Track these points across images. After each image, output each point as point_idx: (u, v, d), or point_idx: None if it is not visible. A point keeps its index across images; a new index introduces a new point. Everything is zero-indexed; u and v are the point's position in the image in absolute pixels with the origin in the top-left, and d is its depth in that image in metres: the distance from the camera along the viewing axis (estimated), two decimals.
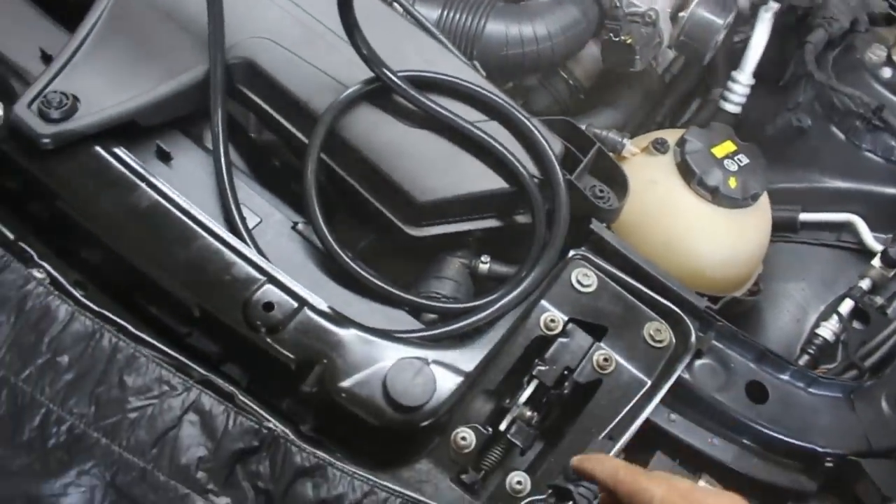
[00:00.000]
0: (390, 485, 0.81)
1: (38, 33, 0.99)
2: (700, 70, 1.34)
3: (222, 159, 0.91)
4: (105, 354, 0.81)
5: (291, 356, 0.83)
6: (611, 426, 0.89)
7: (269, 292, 0.85)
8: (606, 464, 0.74)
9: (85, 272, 0.91)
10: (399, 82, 0.91)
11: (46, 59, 0.97)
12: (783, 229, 1.12)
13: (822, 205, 1.19)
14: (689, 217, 1.04)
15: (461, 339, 0.89)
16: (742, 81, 1.23)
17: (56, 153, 0.89)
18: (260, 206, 0.94)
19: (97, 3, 0.97)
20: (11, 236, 0.90)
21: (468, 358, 0.87)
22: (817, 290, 1.14)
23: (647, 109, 1.30)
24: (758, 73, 1.25)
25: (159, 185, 0.89)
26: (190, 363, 0.86)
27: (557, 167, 0.92)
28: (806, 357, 1.07)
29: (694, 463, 0.96)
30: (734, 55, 1.28)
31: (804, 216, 1.18)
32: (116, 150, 0.90)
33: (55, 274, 0.89)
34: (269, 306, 0.84)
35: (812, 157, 1.20)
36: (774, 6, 1.20)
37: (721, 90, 1.31)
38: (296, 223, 0.94)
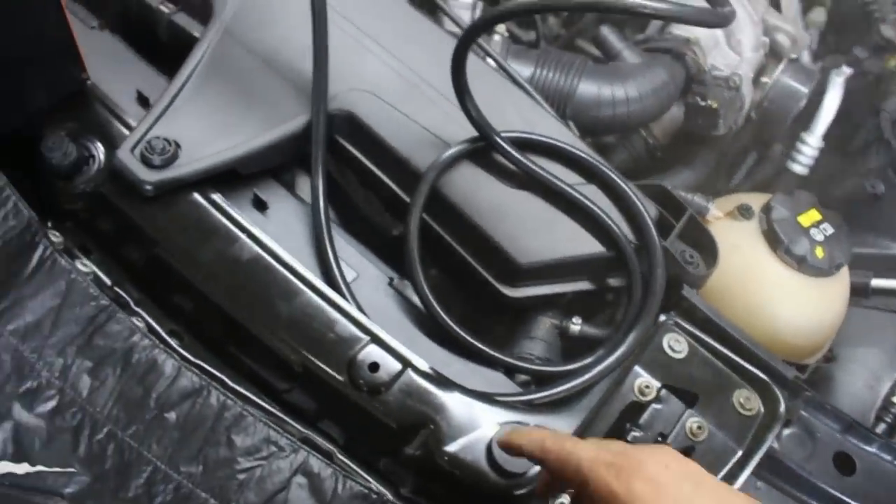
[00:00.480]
0: None
1: (134, 75, 0.98)
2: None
3: (322, 213, 0.91)
4: (213, 412, 0.80)
5: (395, 419, 0.83)
6: None
7: (374, 352, 0.84)
8: (533, 435, 0.72)
9: (179, 319, 0.90)
10: (505, 145, 0.91)
11: (143, 101, 0.96)
12: (855, 294, 1.14)
13: (893, 271, 1.21)
14: (773, 284, 1.05)
15: (559, 402, 0.89)
16: (812, 144, 1.25)
17: (156, 199, 0.88)
18: (356, 261, 0.93)
19: (197, 48, 0.96)
20: (108, 281, 0.90)
21: (566, 423, 0.87)
22: (890, 356, 1.15)
23: (716, 175, 1.31)
24: (826, 136, 1.27)
25: (260, 236, 0.88)
26: (290, 420, 0.86)
27: (655, 234, 0.93)
28: (883, 426, 1.08)
29: None
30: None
31: (876, 282, 1.20)
32: (215, 198, 0.90)
33: (152, 322, 0.89)
34: (374, 367, 0.83)
35: (884, 224, 1.22)
36: (847, 71, 1.23)
37: (780, 146, 1.33)
38: (391, 279, 0.94)
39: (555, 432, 0.71)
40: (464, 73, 0.86)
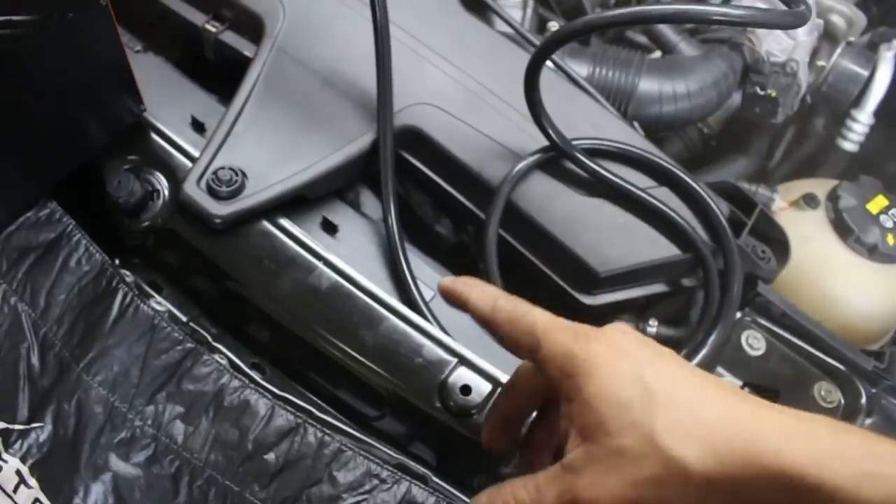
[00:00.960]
0: None
1: (185, 99, 0.95)
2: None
3: (395, 234, 0.89)
4: (312, 450, 0.79)
5: None
6: None
7: (464, 375, 0.83)
8: (485, 289, 0.65)
9: (258, 352, 0.89)
10: (579, 155, 0.89)
11: (197, 126, 0.93)
12: None
13: None
14: (845, 274, 1.04)
15: None
16: (863, 121, 1.23)
17: (225, 232, 0.86)
18: (431, 278, 0.92)
19: (251, 69, 0.93)
20: (184, 318, 0.88)
21: None
22: None
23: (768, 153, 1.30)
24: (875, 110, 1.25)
25: (336, 262, 0.86)
26: (384, 447, 0.85)
27: (730, 234, 0.92)
28: None
29: None
30: None
31: None
32: (286, 225, 0.88)
33: (233, 358, 0.87)
34: (466, 389, 0.82)
35: None
36: None
37: (822, 121, 1.32)
38: None
39: (507, 294, 0.64)
40: (537, 85, 0.84)
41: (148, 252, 0.90)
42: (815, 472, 0.48)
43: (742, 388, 0.92)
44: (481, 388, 0.83)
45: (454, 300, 0.66)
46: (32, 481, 0.75)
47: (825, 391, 0.94)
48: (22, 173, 0.81)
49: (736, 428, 0.51)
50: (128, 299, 0.81)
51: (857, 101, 1.23)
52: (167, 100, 0.94)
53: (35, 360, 0.78)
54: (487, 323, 0.63)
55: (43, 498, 0.75)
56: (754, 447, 0.49)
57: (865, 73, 1.18)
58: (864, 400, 0.93)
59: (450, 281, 0.67)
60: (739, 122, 1.25)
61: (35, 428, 0.76)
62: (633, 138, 0.95)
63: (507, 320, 0.62)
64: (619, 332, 0.58)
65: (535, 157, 0.91)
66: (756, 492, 0.50)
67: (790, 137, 1.38)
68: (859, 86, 1.18)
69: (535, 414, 0.70)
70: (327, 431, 0.80)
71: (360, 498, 0.79)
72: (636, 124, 1.04)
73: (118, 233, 0.88)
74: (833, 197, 1.06)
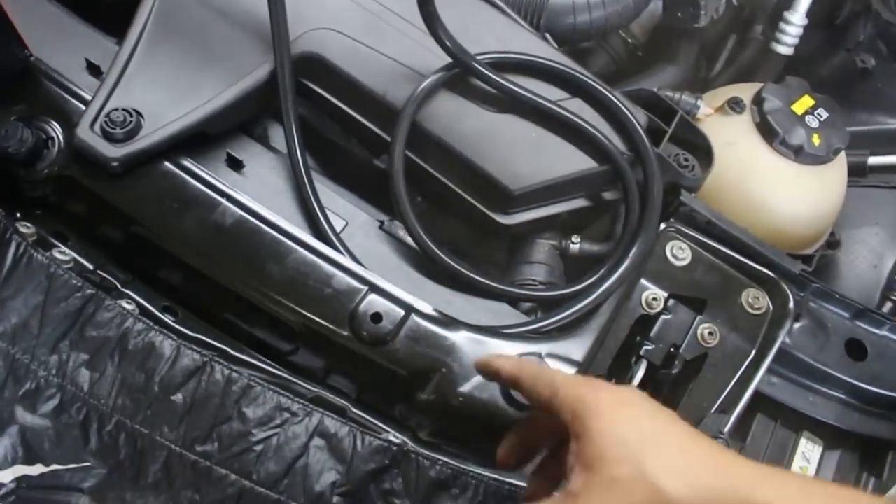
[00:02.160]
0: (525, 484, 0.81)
1: (80, 43, 0.92)
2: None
3: (301, 165, 0.87)
4: (219, 387, 0.79)
5: (405, 367, 0.81)
6: (720, 398, 0.90)
7: (375, 302, 0.82)
8: (511, 359, 0.77)
9: (169, 294, 0.87)
10: (483, 69, 0.86)
11: (94, 70, 0.91)
12: (852, 174, 1.10)
13: (891, 146, 1.18)
14: (771, 177, 1.02)
15: (567, 326, 0.88)
16: (795, 22, 1.19)
17: (126, 175, 0.84)
18: (343, 208, 0.90)
19: (142, 6, 0.90)
20: (91, 266, 0.86)
21: (578, 346, 0.86)
22: (892, 233, 1.13)
23: (703, 60, 1.26)
24: (808, 11, 1.21)
25: (241, 198, 0.84)
26: (298, 381, 0.84)
27: (647, 142, 0.90)
28: (889, 304, 1.08)
29: (794, 422, 0.97)
30: None
31: (873, 160, 1.17)
32: (188, 164, 0.85)
33: (144, 303, 0.86)
34: (377, 317, 0.81)
35: (877, 99, 1.17)
36: None
37: (761, 27, 1.28)
38: (382, 222, 0.91)
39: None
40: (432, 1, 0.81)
41: (50, 202, 0.88)
42: None
43: (668, 298, 0.91)
44: (393, 314, 0.82)
45: (488, 373, 0.75)
46: None
47: (752, 298, 0.92)
48: None
49: (716, 470, 0.60)
50: (21, 249, 0.79)
51: (789, 2, 1.19)
52: (61, 45, 0.91)
53: None
54: (515, 381, 0.72)
55: None
56: (730, 485, 0.59)
57: None
58: (791, 304, 0.91)
59: (482, 360, 0.76)
60: (666, 30, 1.21)
61: None
62: (542, 50, 0.92)
63: (530, 376, 0.71)
64: (627, 390, 0.68)
65: (439, 75, 0.88)
66: None
67: (731, 45, 1.34)
68: None
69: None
70: (235, 368, 0.79)
71: (271, 432, 0.78)
72: (548, 36, 1.00)
73: (17, 184, 0.86)
74: (758, 100, 1.03)
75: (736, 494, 0.58)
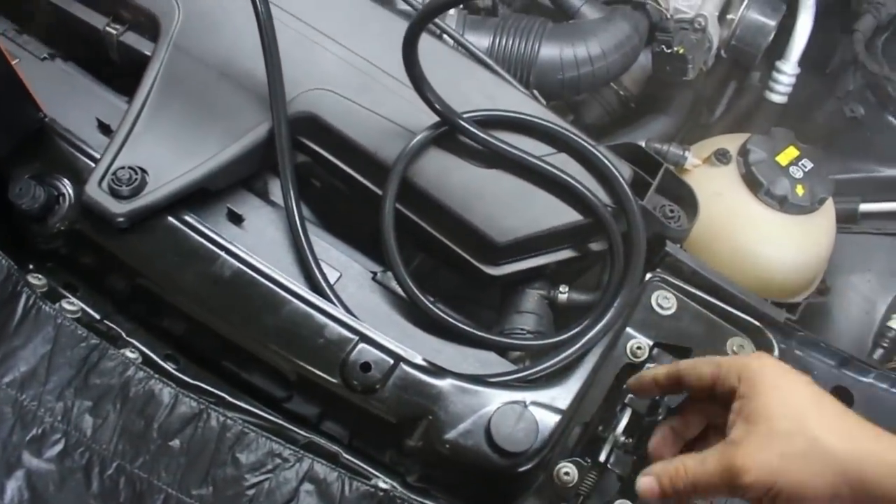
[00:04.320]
0: None
1: (92, 103, 0.98)
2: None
3: (297, 220, 0.91)
4: (214, 434, 0.82)
5: (394, 414, 0.84)
6: None
7: (365, 352, 0.85)
8: (664, 366, 0.80)
9: (171, 343, 0.92)
10: (469, 127, 0.90)
11: (104, 129, 0.96)
12: (843, 221, 1.12)
13: (881, 194, 1.19)
14: (757, 227, 1.04)
15: (554, 374, 0.90)
16: (788, 71, 1.22)
17: (131, 229, 0.89)
18: (337, 260, 0.94)
19: (149, 69, 0.95)
20: (98, 316, 0.91)
21: (563, 394, 0.88)
22: (884, 280, 1.15)
23: (697, 111, 1.29)
24: (801, 60, 1.23)
25: (238, 252, 0.88)
26: (292, 427, 0.88)
27: (630, 194, 0.93)
28: (880, 351, 1.08)
29: None
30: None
31: (864, 206, 1.19)
32: (189, 219, 0.90)
33: (146, 351, 0.90)
34: (366, 366, 0.84)
35: (867, 147, 1.19)
36: None
37: (758, 74, 1.31)
38: (374, 273, 0.95)
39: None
40: (416, 60, 0.85)
41: (61, 255, 0.93)
42: None
43: (653, 347, 0.93)
44: (382, 364, 0.85)
45: (645, 388, 0.82)
46: None
47: (737, 346, 0.94)
48: None
49: (869, 434, 0.65)
50: (31, 301, 0.84)
51: (781, 51, 1.21)
52: (73, 104, 0.96)
53: None
54: (677, 376, 0.77)
55: None
56: (883, 448, 0.64)
57: (773, 22, 1.16)
58: (776, 352, 0.93)
59: (633, 381, 0.83)
60: (659, 82, 1.24)
61: None
62: (528, 106, 0.96)
63: (688, 365, 0.77)
64: (788, 365, 0.72)
65: (427, 132, 0.92)
66: (882, 481, 0.63)
67: (730, 92, 1.36)
68: (767, 37, 1.17)
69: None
70: (229, 415, 0.82)
71: (263, 477, 0.81)
72: (536, 92, 1.04)
73: (30, 239, 0.91)
74: (743, 151, 1.05)
75: (885, 457, 0.63)
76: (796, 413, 0.67)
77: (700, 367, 0.75)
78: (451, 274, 1.00)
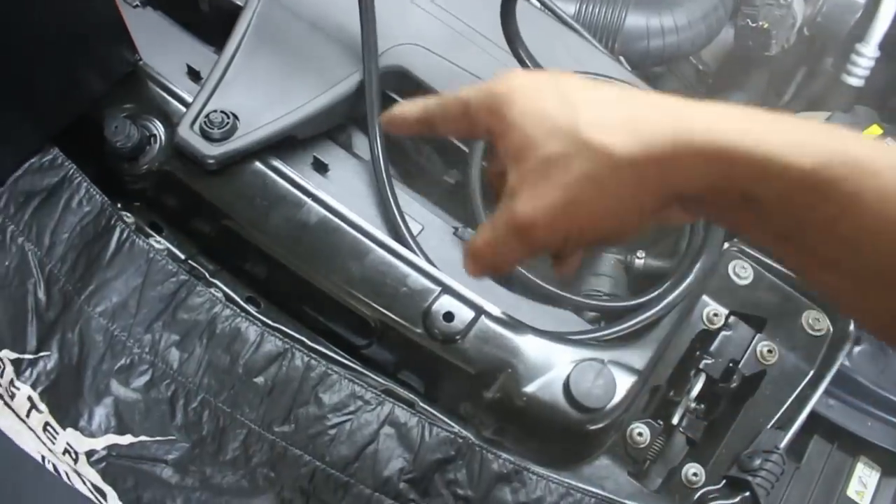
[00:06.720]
0: (583, 485, 0.84)
1: (182, 50, 0.99)
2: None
3: (383, 171, 0.92)
4: (298, 373, 0.83)
5: (473, 365, 0.85)
6: (777, 415, 0.92)
7: (447, 302, 0.86)
8: (414, 103, 0.63)
9: (253, 286, 0.93)
10: None
11: (194, 75, 0.97)
12: None
13: None
14: None
15: (629, 336, 0.91)
16: (867, 54, 1.21)
17: (220, 172, 0.90)
18: (420, 213, 0.95)
19: (242, 17, 0.96)
20: (183, 256, 0.92)
21: (640, 356, 0.89)
22: None
23: (772, 89, 1.29)
24: (881, 43, 1.23)
25: (324, 198, 0.89)
26: (371, 374, 0.89)
27: None
28: None
29: (851, 446, 0.98)
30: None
31: None
32: (278, 165, 0.91)
33: (230, 292, 0.91)
34: (448, 316, 0.85)
35: None
36: None
37: (832, 59, 1.30)
38: (456, 228, 0.96)
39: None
40: (514, 17, 0.85)
41: (148, 195, 0.94)
42: (746, 144, 0.47)
43: (728, 315, 0.93)
44: (464, 315, 0.86)
45: (396, 124, 0.65)
46: (42, 406, 0.80)
47: (813, 319, 0.94)
48: (25, 121, 0.86)
49: (662, 114, 0.50)
50: (124, 235, 0.86)
51: (861, 34, 1.21)
52: (164, 51, 0.98)
53: (42, 295, 0.83)
54: (425, 116, 0.62)
55: (52, 421, 0.80)
56: (682, 128, 0.48)
57: (861, 0, 1.15)
58: (851, 327, 0.93)
59: (386, 115, 0.65)
60: (737, 58, 1.24)
61: (42, 357, 0.81)
62: (617, 71, 0.96)
63: (436, 103, 0.62)
64: (535, 71, 0.58)
65: None
66: (687, 171, 0.49)
67: (800, 78, 1.36)
68: (855, 14, 1.16)
69: None
70: (314, 356, 0.84)
71: (344, 418, 0.82)
72: (622, 59, 1.04)
73: (120, 178, 0.93)
74: None
75: (690, 138, 0.48)
76: (563, 124, 0.52)
77: (448, 106, 0.60)
78: None
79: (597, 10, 1.06)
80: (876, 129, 1.05)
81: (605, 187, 0.51)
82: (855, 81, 1.24)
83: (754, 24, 1.10)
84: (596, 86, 0.54)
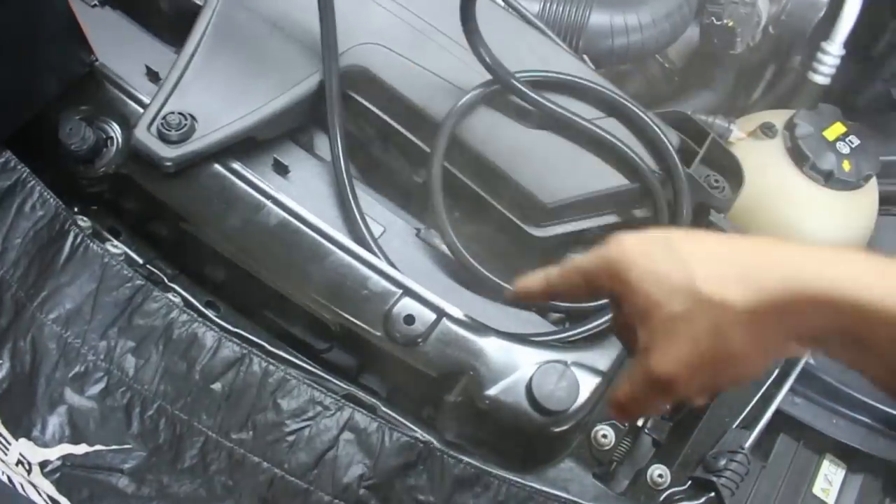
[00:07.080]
0: (547, 489, 0.83)
1: (140, 50, 0.97)
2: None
3: (343, 172, 0.91)
4: (256, 379, 0.82)
5: (435, 368, 0.84)
6: (743, 414, 0.91)
7: (408, 305, 0.85)
8: (537, 275, 0.68)
9: (213, 291, 0.91)
10: (521, 87, 0.90)
11: (153, 76, 0.96)
12: (885, 203, 1.12)
13: None
14: (801, 201, 1.04)
15: (593, 337, 0.90)
16: (832, 52, 1.21)
17: (178, 175, 0.88)
18: (381, 215, 0.94)
19: (201, 17, 0.95)
20: (140, 260, 0.91)
21: (604, 357, 0.88)
22: None
23: (738, 90, 1.29)
24: (845, 42, 1.23)
25: (284, 201, 0.88)
26: (332, 378, 0.88)
27: (678, 162, 0.92)
28: None
29: (817, 444, 0.98)
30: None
31: None
32: (236, 167, 0.90)
33: (188, 297, 0.90)
34: (409, 319, 0.84)
35: None
36: None
37: (800, 58, 1.30)
38: (419, 230, 0.95)
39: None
40: (473, 17, 0.84)
41: (106, 198, 0.92)
42: (855, 291, 0.49)
43: None
44: (425, 317, 0.85)
45: (521, 296, 0.70)
46: None
47: None
48: None
49: (772, 263, 0.53)
50: (79, 240, 0.84)
51: (827, 32, 1.21)
52: (122, 51, 0.96)
53: None
54: (552, 295, 0.68)
55: (4, 432, 0.79)
56: (792, 275, 0.52)
57: None
58: None
59: (510, 292, 0.71)
60: (703, 56, 1.24)
61: None
62: (580, 70, 0.96)
63: (557, 275, 0.66)
64: (644, 232, 0.61)
65: (478, 90, 0.92)
66: (801, 317, 0.52)
67: (769, 75, 1.36)
68: (819, 13, 1.16)
69: None
70: (272, 361, 0.82)
71: (303, 424, 0.81)
72: (586, 58, 1.03)
73: (76, 181, 0.91)
74: (790, 125, 1.05)
75: (801, 285, 0.51)
76: (682, 283, 0.55)
77: (568, 275, 0.64)
78: (490, 234, 1.00)
79: (560, 8, 1.05)
80: (839, 127, 1.05)
81: (730, 337, 0.55)
82: (821, 79, 1.24)
83: (719, 22, 1.10)
84: (701, 239, 0.58)
